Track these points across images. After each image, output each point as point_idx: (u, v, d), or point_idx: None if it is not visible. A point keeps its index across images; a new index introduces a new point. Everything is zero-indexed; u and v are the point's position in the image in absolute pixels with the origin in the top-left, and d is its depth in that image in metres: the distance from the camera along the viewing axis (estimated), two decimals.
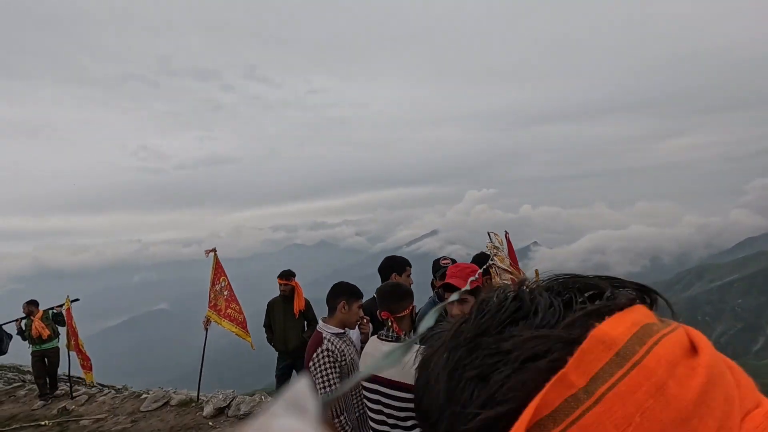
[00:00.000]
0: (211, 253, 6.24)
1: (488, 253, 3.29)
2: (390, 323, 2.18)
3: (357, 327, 2.72)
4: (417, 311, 2.36)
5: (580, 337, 0.65)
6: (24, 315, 7.16)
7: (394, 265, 3.26)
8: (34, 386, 8.28)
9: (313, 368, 2.28)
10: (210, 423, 5.53)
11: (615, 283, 0.66)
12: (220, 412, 5.76)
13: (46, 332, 7.05)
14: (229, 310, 6.17)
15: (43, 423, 6.29)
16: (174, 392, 7.17)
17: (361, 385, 2.22)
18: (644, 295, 0.66)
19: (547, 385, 0.64)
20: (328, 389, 2.24)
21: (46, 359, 7.23)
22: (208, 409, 5.75)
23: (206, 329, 6.17)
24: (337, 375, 2.27)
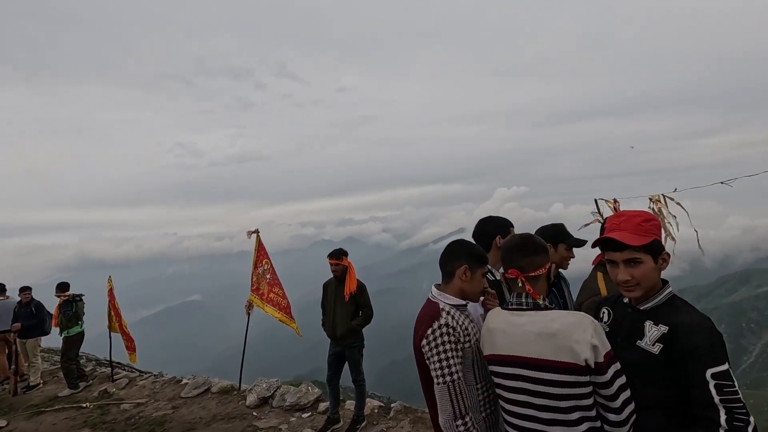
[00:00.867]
0: (254, 235, 5.90)
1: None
2: (521, 284, 1.64)
3: (480, 301, 2.01)
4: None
5: None
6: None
7: (497, 227, 2.52)
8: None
9: (427, 348, 1.73)
10: (254, 413, 5.17)
11: None
12: (264, 402, 5.40)
13: (54, 320, 6.93)
14: (272, 295, 5.80)
15: (84, 405, 6.14)
16: (214, 380, 6.99)
17: (490, 371, 1.69)
18: None
19: None
20: (448, 378, 1.66)
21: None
22: (251, 399, 5.40)
23: (248, 314, 5.86)
24: (459, 359, 1.70)
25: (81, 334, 7.09)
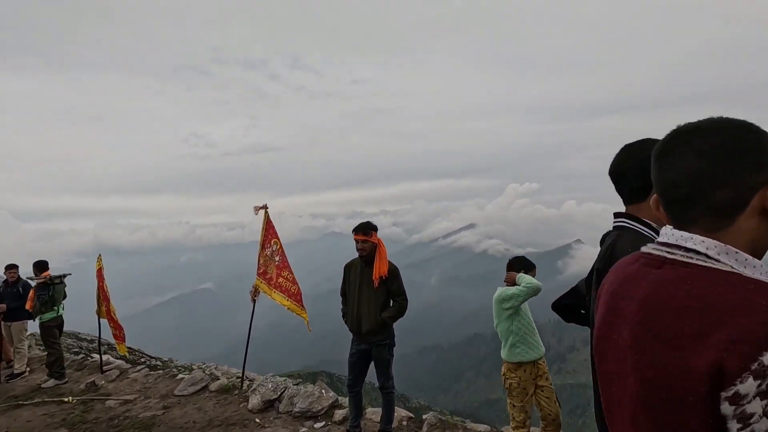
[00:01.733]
0: (262, 210, 4.99)
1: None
2: None
3: None
4: None
5: None
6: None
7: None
8: (75, 357, 7.57)
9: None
10: (257, 419, 4.33)
11: None
12: (269, 405, 4.56)
13: (29, 303, 6.09)
14: (280, 280, 4.90)
15: (66, 399, 5.39)
16: (216, 368, 6.26)
17: None
18: None
19: None
20: None
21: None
22: (254, 401, 4.57)
23: (254, 300, 5.02)
24: None
25: (57, 320, 6.30)
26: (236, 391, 5.06)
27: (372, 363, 3.70)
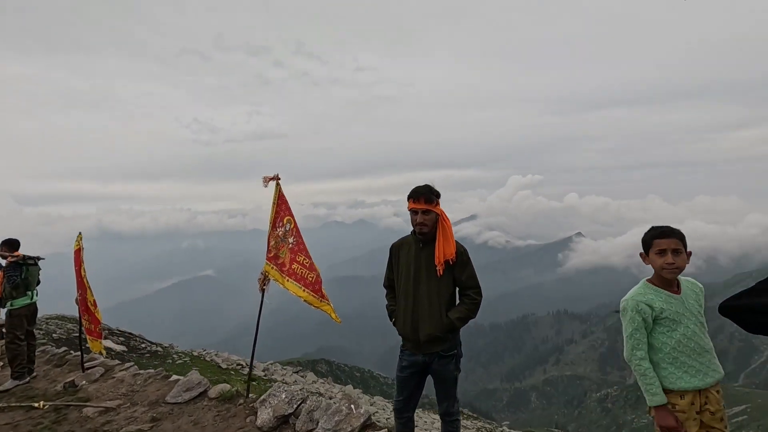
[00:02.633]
0: (272, 182, 3.99)
1: None
2: None
3: None
4: None
5: None
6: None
7: None
8: (56, 350, 6.70)
9: None
10: None
11: None
12: (282, 422, 3.62)
13: None
14: (295, 266, 3.91)
15: (36, 405, 4.47)
16: (216, 354, 5.46)
17: None
18: None
19: None
20: None
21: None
22: (265, 416, 3.63)
23: (263, 291, 4.03)
24: None
25: (30, 308, 5.35)
26: (241, 400, 4.13)
27: (429, 379, 2.77)
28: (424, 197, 2.64)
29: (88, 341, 5.34)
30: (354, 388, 16.30)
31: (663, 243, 2.22)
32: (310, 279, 3.84)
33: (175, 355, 11.38)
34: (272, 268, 4.02)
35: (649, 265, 2.31)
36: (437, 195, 2.71)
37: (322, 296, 3.79)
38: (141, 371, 5.20)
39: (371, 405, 12.44)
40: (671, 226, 2.28)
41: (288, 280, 3.91)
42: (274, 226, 4.07)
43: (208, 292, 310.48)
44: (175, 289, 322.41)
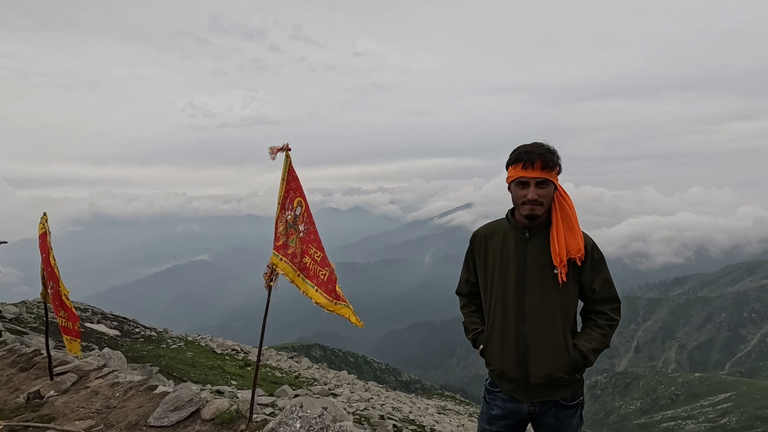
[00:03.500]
0: (281, 153, 3.01)
1: None
2: None
3: None
4: None
5: None
6: None
7: None
8: (25, 350, 5.77)
9: None
10: None
11: None
12: None
13: None
14: (306, 260, 3.01)
15: None
16: (211, 339, 5.08)
17: None
18: None
19: None
20: None
21: None
22: None
23: (269, 287, 3.07)
24: None
25: None
26: (242, 426, 3.07)
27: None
28: (541, 160, 1.77)
29: (65, 341, 4.36)
30: (348, 374, 16.52)
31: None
32: (323, 277, 3.01)
33: (169, 340, 11.45)
34: (281, 260, 3.08)
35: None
36: (558, 158, 1.84)
37: (338, 297, 2.96)
38: (120, 380, 4.17)
39: (365, 391, 12.64)
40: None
41: (300, 277, 3.03)
42: (283, 207, 3.14)
43: (202, 277, 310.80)
44: (169, 274, 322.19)
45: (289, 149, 3.06)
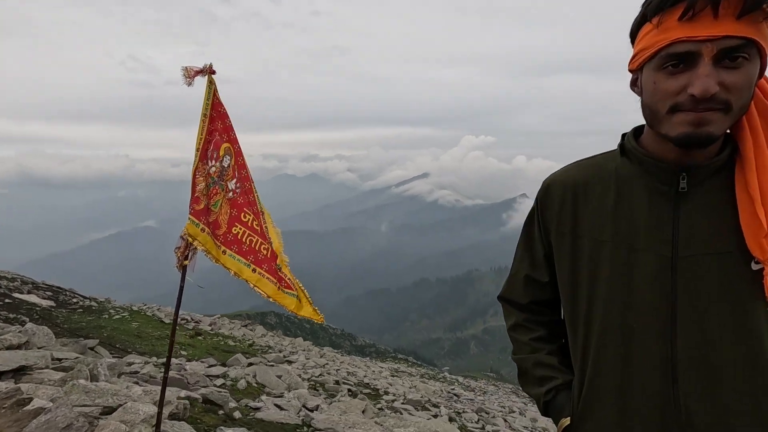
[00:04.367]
0: (200, 76, 2.07)
1: None
2: None
3: None
4: None
5: None
6: None
7: None
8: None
9: None
10: None
11: None
12: None
13: None
14: (237, 229, 2.18)
15: None
16: (158, 309, 4.87)
17: None
18: None
19: None
20: None
21: None
22: None
23: (181, 267, 2.20)
24: None
25: None
26: None
27: None
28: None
29: None
30: (304, 340, 16.60)
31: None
32: (264, 252, 2.21)
33: (112, 310, 10.83)
34: (200, 230, 2.15)
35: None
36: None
37: (281, 281, 2.19)
38: (69, 378, 3.01)
39: (321, 357, 12.76)
40: None
41: (225, 252, 2.20)
42: (203, 156, 2.17)
43: (149, 244, 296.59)
44: (112, 240, 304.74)
45: (213, 72, 2.11)
